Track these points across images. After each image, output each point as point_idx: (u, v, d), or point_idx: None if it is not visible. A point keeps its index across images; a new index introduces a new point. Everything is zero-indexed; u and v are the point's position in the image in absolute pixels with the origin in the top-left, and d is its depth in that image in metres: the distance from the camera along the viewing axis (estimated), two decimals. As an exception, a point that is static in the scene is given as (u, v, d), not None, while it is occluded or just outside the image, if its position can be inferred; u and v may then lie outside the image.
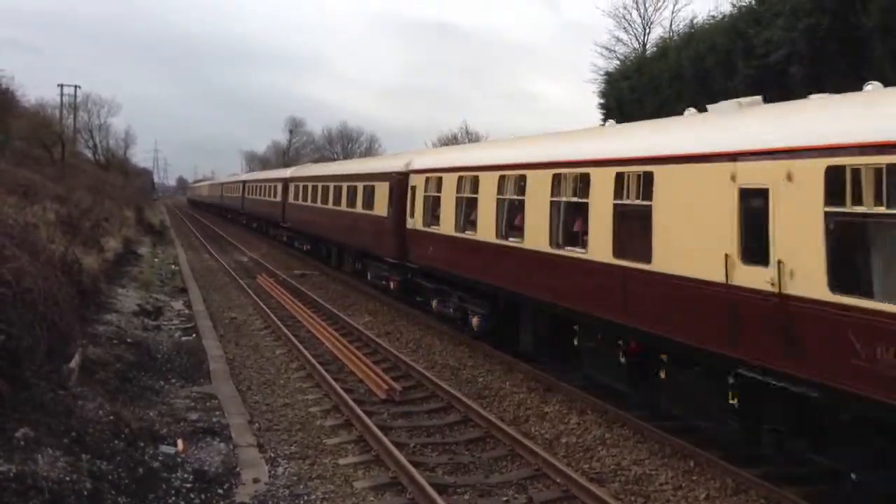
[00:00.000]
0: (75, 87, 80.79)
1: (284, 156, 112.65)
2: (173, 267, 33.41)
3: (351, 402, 12.78)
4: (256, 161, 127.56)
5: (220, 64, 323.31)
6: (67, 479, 8.21)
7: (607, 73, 46.63)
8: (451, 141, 74.76)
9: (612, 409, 12.50)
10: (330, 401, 13.47)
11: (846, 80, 21.45)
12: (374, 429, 11.43)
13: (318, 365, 15.40)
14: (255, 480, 9.72)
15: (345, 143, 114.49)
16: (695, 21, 38.38)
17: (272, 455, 10.75)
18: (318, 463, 10.54)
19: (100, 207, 36.62)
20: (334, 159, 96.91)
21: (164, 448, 10.37)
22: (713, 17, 34.43)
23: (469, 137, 73.32)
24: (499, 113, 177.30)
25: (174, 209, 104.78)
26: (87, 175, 58.42)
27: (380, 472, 10.28)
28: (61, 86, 77.74)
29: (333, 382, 14.07)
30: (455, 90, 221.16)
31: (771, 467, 9.89)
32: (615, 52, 54.13)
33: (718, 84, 27.34)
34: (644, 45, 53.15)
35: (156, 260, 34.65)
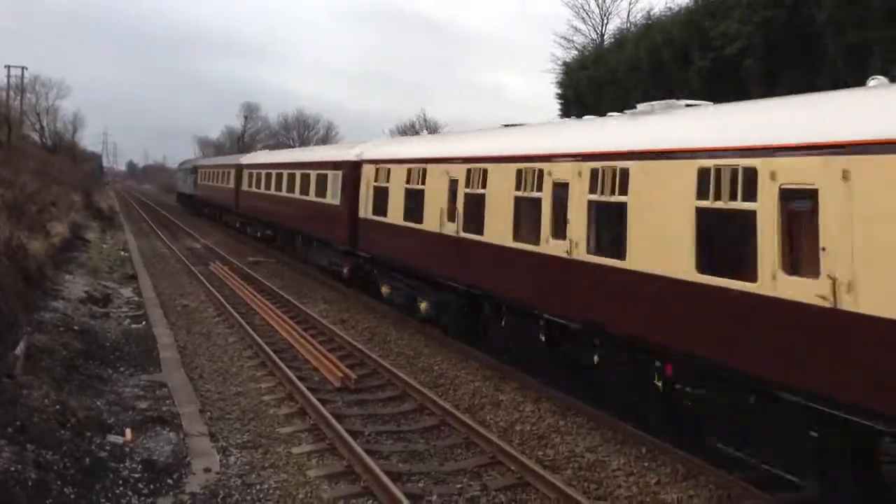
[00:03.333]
0: (22, 68, 78.93)
1: (239, 142, 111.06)
2: (122, 253, 32.76)
3: (305, 391, 12.65)
4: (210, 147, 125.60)
5: (173, 48, 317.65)
6: (12, 469, 8.00)
7: (565, 64, 46.85)
8: (409, 129, 74.57)
9: (569, 398, 12.57)
10: (284, 389, 13.32)
11: (799, 74, 21.83)
12: (329, 417, 11.32)
13: (271, 353, 15.22)
14: (207, 470, 9.56)
15: (301, 129, 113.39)
16: (652, 13, 38.80)
17: (224, 444, 10.58)
18: (272, 452, 10.41)
19: (46, 191, 35.77)
20: (290, 146, 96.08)
21: (112, 438, 10.16)
22: (670, 9, 34.84)
23: (427, 126, 73.13)
24: (459, 102, 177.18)
25: (123, 194, 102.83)
26: (33, 159, 57.01)
27: (334, 460, 10.19)
28: (8, 67, 76.16)
29: (287, 370, 13.91)
30: (415, 79, 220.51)
31: (727, 455, 10.03)
32: (573, 42, 54.41)
33: (675, 76, 27.62)
34: (602, 35, 53.45)
35: (104, 246, 33.94)
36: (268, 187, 34.86)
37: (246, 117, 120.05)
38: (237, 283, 24.49)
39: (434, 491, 9.25)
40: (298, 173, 29.56)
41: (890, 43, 18.76)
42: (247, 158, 42.61)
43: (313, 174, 26.99)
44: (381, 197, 20.06)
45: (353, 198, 21.89)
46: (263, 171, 36.26)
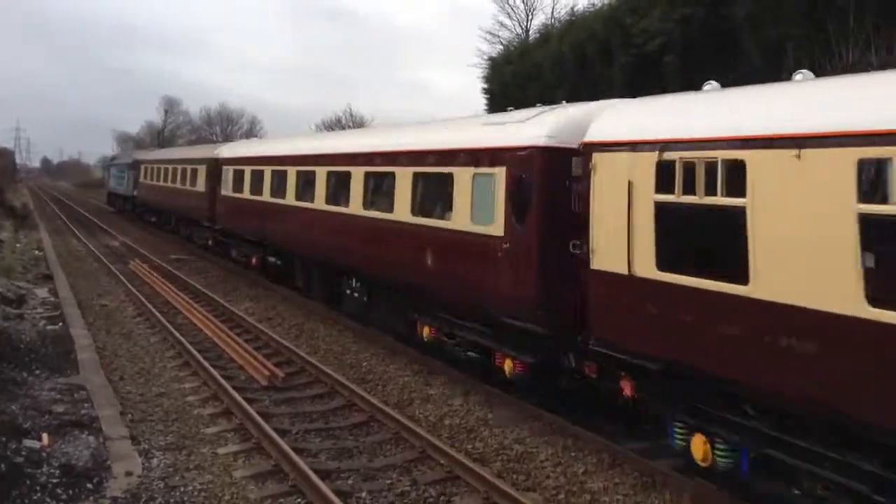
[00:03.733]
0: (-74, 60, 75.35)
1: (159, 136, 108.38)
2: (37, 252, 31.58)
3: (231, 390, 12.42)
4: (130, 142, 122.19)
5: (91, 40, 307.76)
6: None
7: (491, 59, 47.10)
8: (336, 124, 74.00)
9: (496, 392, 12.64)
10: (208, 389, 13.05)
11: (717, 70, 22.41)
12: (255, 416, 11.14)
13: (195, 352, 14.90)
14: (128, 473, 9.30)
15: (224, 124, 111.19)
16: (576, 9, 39.30)
17: (146, 447, 10.31)
18: (196, 453, 10.19)
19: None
20: (213, 141, 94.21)
21: (28, 443, 9.78)
22: (593, 5, 35.37)
23: (353, 121, 72.70)
24: (387, 97, 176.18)
25: (38, 191, 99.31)
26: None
27: (261, 460, 10.03)
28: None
29: (212, 370, 13.64)
30: (344, 73, 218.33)
31: (648, 443, 10.26)
32: (499, 37, 54.80)
33: (598, 71, 28.04)
34: (527, 30, 53.96)
35: (18, 245, 32.68)
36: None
37: (166, 111, 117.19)
38: (159, 282, 23.88)
39: (364, 487, 9.19)
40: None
41: (803, 39, 19.42)
42: (228, 150, 29.71)
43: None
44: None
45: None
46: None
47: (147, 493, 8.81)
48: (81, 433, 10.56)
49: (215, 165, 28.63)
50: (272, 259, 23.27)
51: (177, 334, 16.44)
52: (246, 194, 24.62)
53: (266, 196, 22.71)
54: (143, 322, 18.55)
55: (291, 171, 20.86)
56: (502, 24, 55.77)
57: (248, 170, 24.80)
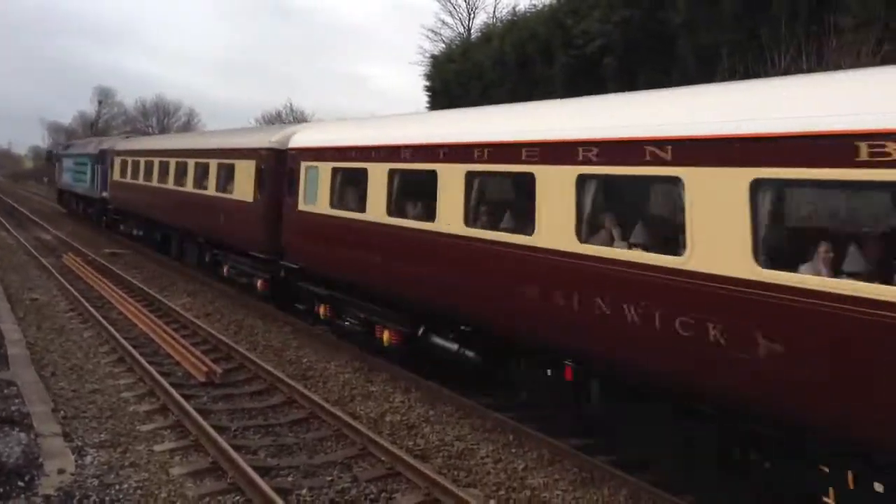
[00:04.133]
0: None
1: (92, 128, 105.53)
2: (-36, 244, 30.56)
3: (167, 386, 12.21)
4: (62, 132, 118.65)
5: (15, 25, 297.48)
6: None
7: (433, 57, 47.14)
8: (276, 118, 73.11)
9: (436, 387, 12.70)
10: (144, 385, 12.81)
11: (654, 73, 22.86)
12: (193, 413, 10.98)
13: (131, 348, 14.59)
14: (61, 471, 9.08)
15: (161, 115, 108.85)
16: (517, 9, 39.63)
17: (80, 444, 10.08)
18: (131, 450, 10.00)
19: None
20: (148, 133, 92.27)
21: (-46, 441, 9.47)
22: (535, 5, 35.67)
23: (294, 115, 71.92)
24: (328, 92, 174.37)
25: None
26: None
27: (199, 457, 9.90)
28: None
29: (148, 366, 13.39)
30: (286, 68, 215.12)
31: (591, 439, 10.45)
32: (441, 35, 54.91)
33: (539, 71, 28.31)
34: (469, 29, 54.18)
35: (-56, 237, 31.53)
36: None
37: (100, 102, 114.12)
38: (93, 277, 23.31)
39: (304, 484, 9.15)
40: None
41: (737, 45, 19.93)
42: (311, 134, 17.42)
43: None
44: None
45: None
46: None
47: (81, 492, 8.63)
48: (12, 430, 10.27)
49: (277, 160, 18.02)
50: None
51: (111, 329, 16.09)
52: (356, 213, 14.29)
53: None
54: (77, 317, 18.09)
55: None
56: (444, 23, 56.07)
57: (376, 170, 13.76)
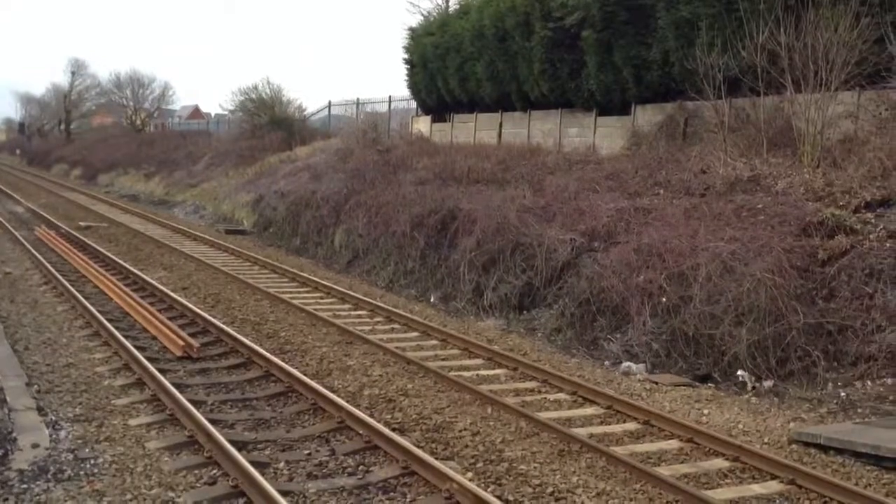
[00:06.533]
0: None
1: (65, 99, 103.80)
2: (-65, 217, 30.11)
3: (143, 360, 12.11)
4: (35, 104, 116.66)
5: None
6: None
7: (411, 29, 46.70)
8: (252, 90, 72.13)
9: (415, 360, 12.70)
10: (119, 359, 12.70)
11: (633, 47, 22.77)
12: (169, 386, 10.90)
13: (105, 322, 14.46)
14: (35, 445, 8.99)
15: (136, 87, 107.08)
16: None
17: (54, 418, 9.98)
18: (107, 424, 9.92)
19: None
20: (123, 105, 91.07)
21: (-74, 416, 9.35)
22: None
23: (271, 90, 70.96)
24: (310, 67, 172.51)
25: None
26: None
27: (175, 431, 9.83)
28: None
29: (123, 339, 13.27)
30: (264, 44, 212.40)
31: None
32: (419, 7, 54.41)
33: (517, 44, 28.11)
34: (447, 1, 53.64)
35: (-87, 209, 31.04)
36: None
37: (73, 73, 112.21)
38: (67, 250, 23.04)
39: (281, 458, 9.12)
40: None
41: (715, 18, 19.87)
42: None
43: None
44: None
45: None
46: None
47: (55, 466, 8.55)
48: (-16, 405, 10.16)
49: None
50: None
51: (86, 303, 15.92)
52: None
53: None
54: (50, 291, 17.90)
55: None
56: (423, -6, 55.40)
57: None
